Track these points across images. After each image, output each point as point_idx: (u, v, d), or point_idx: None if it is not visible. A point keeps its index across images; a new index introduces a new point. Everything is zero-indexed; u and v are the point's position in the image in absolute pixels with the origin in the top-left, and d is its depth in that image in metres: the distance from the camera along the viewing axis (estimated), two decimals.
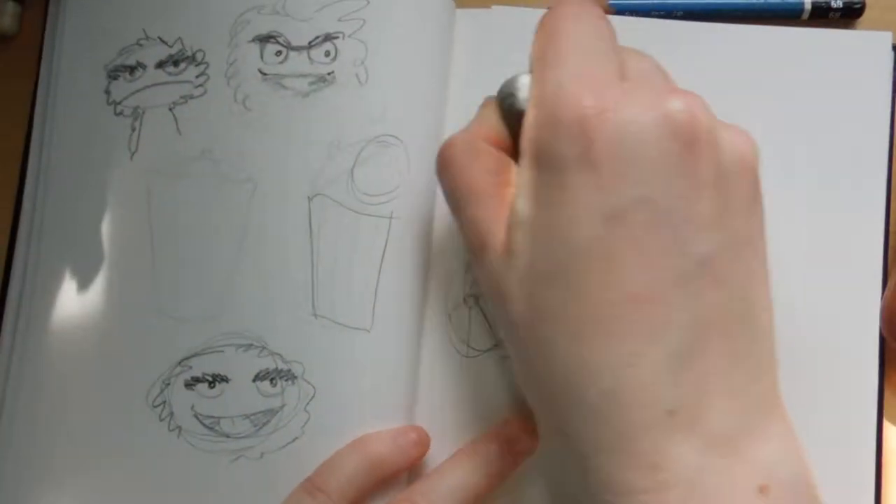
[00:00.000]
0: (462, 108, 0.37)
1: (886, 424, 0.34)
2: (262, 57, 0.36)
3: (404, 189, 0.35)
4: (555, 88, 0.26)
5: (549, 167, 0.25)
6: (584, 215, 0.24)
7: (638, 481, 0.24)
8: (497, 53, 0.37)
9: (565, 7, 0.28)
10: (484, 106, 0.31)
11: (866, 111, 0.36)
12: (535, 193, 0.26)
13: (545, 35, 0.28)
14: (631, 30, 0.37)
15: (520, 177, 0.27)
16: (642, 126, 0.24)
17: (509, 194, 0.27)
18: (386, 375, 0.34)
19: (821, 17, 0.38)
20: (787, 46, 0.36)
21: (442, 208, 0.36)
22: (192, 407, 0.34)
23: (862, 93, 0.36)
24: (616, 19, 0.37)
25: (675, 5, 0.38)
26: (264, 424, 0.33)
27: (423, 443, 0.33)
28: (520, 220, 0.26)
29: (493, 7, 0.38)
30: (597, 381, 0.24)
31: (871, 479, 0.33)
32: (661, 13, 0.38)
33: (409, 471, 0.33)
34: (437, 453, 0.33)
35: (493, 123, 0.30)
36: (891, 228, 0.35)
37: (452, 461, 0.32)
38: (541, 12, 0.38)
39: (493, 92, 0.37)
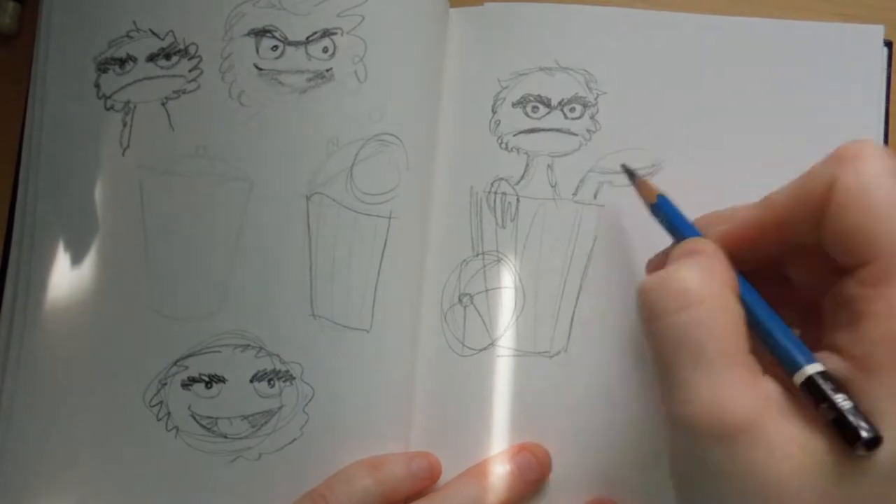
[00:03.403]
0: (456, 108, 0.37)
1: None
2: (257, 51, 0.35)
3: (403, 188, 0.35)
4: None
5: None
6: None
7: None
8: (490, 50, 0.37)
9: None
10: (700, 245, 0.28)
11: (859, 104, 0.36)
12: None
13: None
14: (616, 21, 0.37)
15: (888, 399, 0.23)
16: None
17: (758, 369, 0.25)
18: (385, 376, 0.34)
19: None
20: (780, 39, 0.37)
21: (440, 208, 0.36)
22: (190, 407, 0.33)
23: (854, 86, 0.36)
24: (604, 10, 0.37)
25: None
26: (262, 425, 0.33)
27: (436, 472, 0.33)
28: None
29: (486, 4, 0.38)
30: None
31: None
32: None
33: None
34: (434, 452, 0.34)
35: (726, 273, 0.26)
36: None
37: (462, 480, 0.33)
38: (533, 7, 0.38)
39: (489, 92, 0.37)
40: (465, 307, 0.35)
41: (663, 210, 0.31)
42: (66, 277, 0.34)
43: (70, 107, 0.35)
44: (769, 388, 0.25)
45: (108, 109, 0.35)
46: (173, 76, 0.35)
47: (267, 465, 0.33)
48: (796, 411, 0.24)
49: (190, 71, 0.35)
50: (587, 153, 0.36)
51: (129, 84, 0.35)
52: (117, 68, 0.35)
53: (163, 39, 0.35)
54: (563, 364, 0.34)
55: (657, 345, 0.26)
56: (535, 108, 0.37)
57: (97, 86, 0.35)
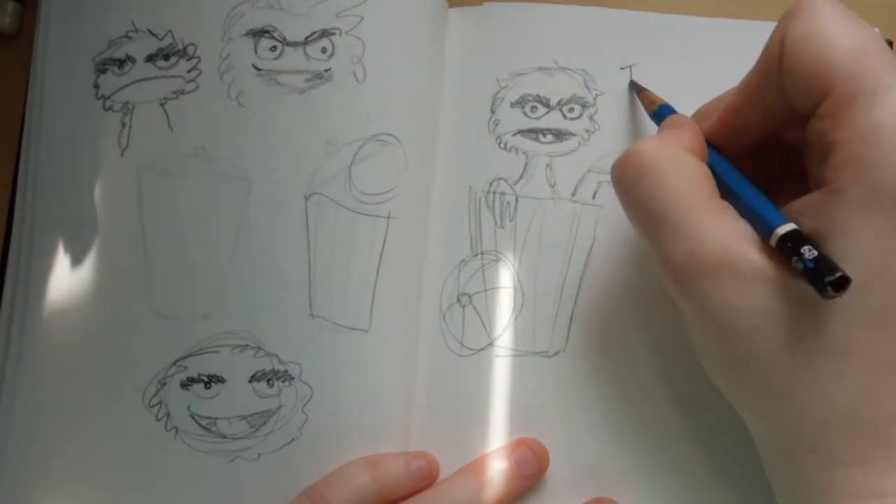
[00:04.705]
0: (455, 107, 0.37)
1: None
2: (256, 52, 0.35)
3: (402, 188, 0.35)
4: None
5: None
6: None
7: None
8: (489, 50, 0.37)
9: None
10: (674, 119, 0.31)
11: None
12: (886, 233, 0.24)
13: None
14: (615, 21, 0.37)
15: (851, 212, 0.24)
16: None
17: (730, 211, 0.26)
18: (384, 376, 0.34)
19: None
20: None
21: (439, 208, 0.36)
22: (189, 407, 0.33)
23: None
24: (603, 11, 0.37)
25: None
26: (261, 425, 0.33)
27: (434, 473, 0.33)
28: (851, 258, 0.24)
29: (485, 4, 0.38)
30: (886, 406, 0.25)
31: None
32: None
33: None
34: (433, 452, 0.34)
35: (690, 139, 0.29)
36: None
37: (459, 476, 0.33)
38: (532, 7, 0.38)
39: (487, 91, 0.37)
40: (463, 307, 0.35)
41: (665, 116, 0.32)
42: (65, 277, 0.34)
43: (69, 107, 0.35)
44: (744, 227, 0.26)
45: (106, 110, 0.35)
46: (172, 77, 0.35)
47: (266, 465, 0.33)
48: (774, 260, 0.25)
49: (189, 71, 0.35)
50: (586, 153, 0.36)
51: (127, 84, 0.35)
52: (116, 69, 0.35)
53: (161, 40, 0.35)
54: (561, 364, 0.34)
55: (632, 217, 0.28)
56: (533, 108, 0.37)
57: (96, 86, 0.35)
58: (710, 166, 0.28)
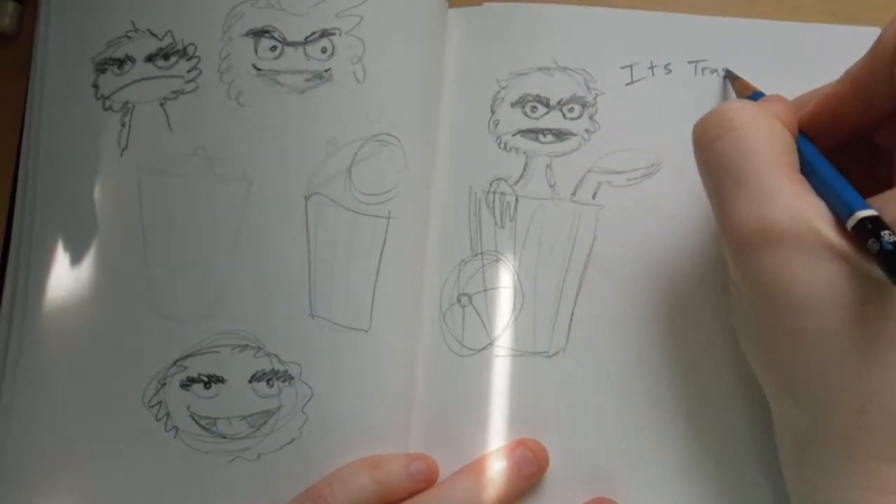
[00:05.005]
0: (455, 107, 0.37)
1: None
2: (256, 52, 0.35)
3: (402, 188, 0.35)
4: None
5: None
6: None
7: None
8: (489, 50, 0.37)
9: None
10: (770, 96, 0.30)
11: None
12: None
13: None
14: (614, 21, 0.37)
15: None
16: None
17: (807, 186, 0.26)
18: (384, 376, 0.34)
19: None
20: (777, 40, 0.37)
21: (439, 208, 0.36)
22: (189, 407, 0.33)
23: None
24: (603, 11, 0.37)
25: None
26: (261, 425, 0.33)
27: (433, 475, 0.33)
28: None
29: (485, 4, 0.38)
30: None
31: None
32: None
33: None
34: (433, 452, 0.34)
35: (782, 111, 0.28)
36: None
37: (459, 476, 0.33)
38: (532, 7, 0.38)
39: (487, 91, 0.37)
40: (463, 307, 0.35)
41: None
42: (65, 277, 0.34)
43: (69, 107, 0.35)
44: (819, 204, 0.25)
45: (106, 110, 0.35)
46: (172, 76, 0.35)
47: (266, 465, 0.33)
48: (847, 241, 0.25)
49: (188, 71, 0.35)
50: (586, 153, 0.36)
51: (127, 84, 0.35)
52: (116, 69, 0.35)
53: (161, 40, 0.35)
54: (561, 364, 0.34)
55: (705, 173, 0.28)
56: (533, 108, 0.37)
57: (96, 86, 0.35)
58: (797, 144, 0.28)
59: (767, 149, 0.26)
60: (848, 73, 0.28)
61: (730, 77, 0.36)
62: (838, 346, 0.25)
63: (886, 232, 0.24)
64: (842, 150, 0.29)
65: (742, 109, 0.27)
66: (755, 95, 0.32)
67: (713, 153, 0.27)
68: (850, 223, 0.25)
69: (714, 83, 0.36)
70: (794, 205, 0.25)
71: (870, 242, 0.24)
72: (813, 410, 0.26)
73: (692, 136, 0.28)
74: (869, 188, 0.27)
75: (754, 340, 0.28)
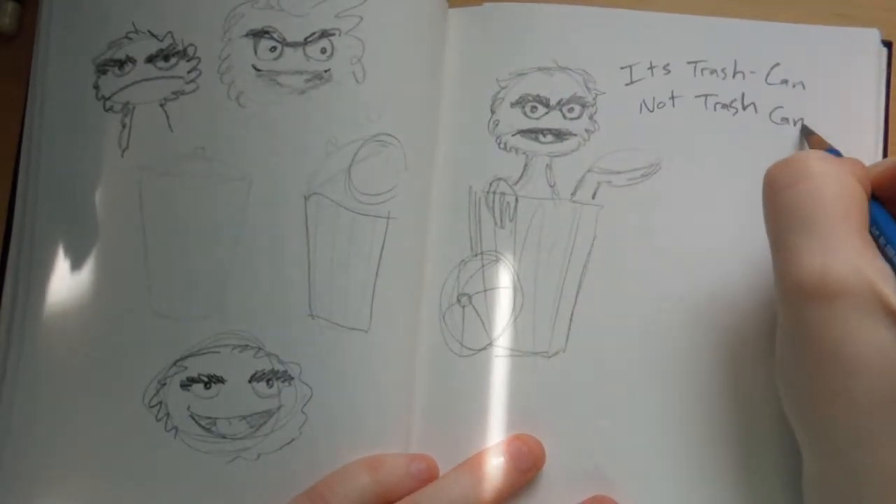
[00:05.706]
0: (455, 107, 0.37)
1: None
2: (256, 52, 0.35)
3: (402, 189, 0.35)
4: None
5: None
6: None
7: None
8: (489, 50, 0.37)
9: None
10: (845, 157, 0.30)
11: (855, 107, 0.36)
12: None
13: None
14: (614, 21, 0.37)
15: None
16: None
17: (875, 247, 0.26)
18: (384, 376, 0.34)
19: None
20: (780, 42, 0.37)
21: (439, 208, 0.36)
22: (189, 407, 0.33)
23: (851, 89, 0.36)
24: (603, 11, 0.37)
25: None
26: (261, 425, 0.33)
27: (434, 474, 0.33)
28: None
29: (485, 4, 0.38)
30: None
31: None
32: None
33: None
34: (433, 452, 0.34)
35: (857, 169, 0.28)
36: None
37: (456, 472, 0.33)
38: (532, 7, 0.38)
39: (487, 91, 0.37)
40: (463, 307, 0.35)
41: None
42: (65, 278, 0.34)
43: (69, 108, 0.35)
44: (884, 266, 0.25)
45: (107, 111, 0.35)
46: (172, 77, 0.35)
47: (266, 465, 0.33)
48: None
49: (189, 72, 0.35)
50: (586, 153, 0.36)
51: (128, 85, 0.35)
52: (116, 69, 0.35)
53: (161, 41, 0.35)
54: (561, 364, 0.34)
55: (773, 217, 0.27)
56: (533, 108, 0.37)
57: (96, 87, 0.35)
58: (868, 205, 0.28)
59: (840, 203, 0.26)
60: None
61: (805, 132, 0.35)
62: (884, 411, 0.24)
63: None
64: None
65: (822, 161, 0.27)
66: (830, 152, 0.32)
67: (786, 198, 0.27)
68: None
69: (714, 83, 0.36)
70: (857, 262, 0.25)
71: None
72: (843, 469, 0.26)
73: (764, 179, 0.28)
74: None
75: (797, 396, 0.28)
